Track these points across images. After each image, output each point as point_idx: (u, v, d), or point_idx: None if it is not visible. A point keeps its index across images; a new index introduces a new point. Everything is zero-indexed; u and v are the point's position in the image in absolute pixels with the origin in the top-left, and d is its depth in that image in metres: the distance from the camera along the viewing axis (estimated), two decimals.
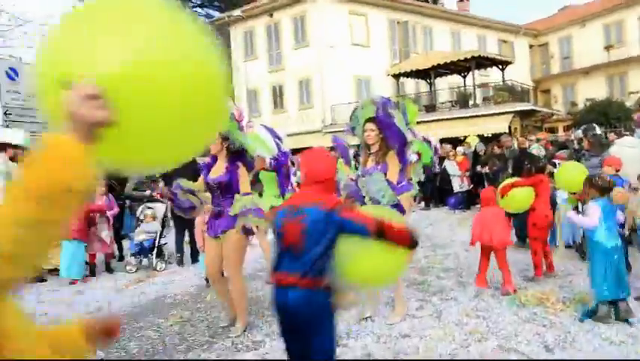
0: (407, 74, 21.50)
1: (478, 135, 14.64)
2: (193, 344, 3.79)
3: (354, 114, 4.03)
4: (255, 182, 5.94)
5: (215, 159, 3.89)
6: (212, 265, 3.93)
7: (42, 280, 6.27)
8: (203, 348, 3.67)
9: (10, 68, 9.29)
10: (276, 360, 3.35)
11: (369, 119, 3.87)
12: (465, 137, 16.96)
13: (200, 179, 3.99)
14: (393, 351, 3.41)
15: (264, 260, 6.58)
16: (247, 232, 3.83)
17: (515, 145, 8.91)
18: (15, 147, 6.10)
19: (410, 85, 24.08)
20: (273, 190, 5.57)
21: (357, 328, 3.90)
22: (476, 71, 20.64)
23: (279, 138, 5.73)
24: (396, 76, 21.51)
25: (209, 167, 3.90)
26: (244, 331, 3.89)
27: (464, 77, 21.56)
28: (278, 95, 24.52)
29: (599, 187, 3.79)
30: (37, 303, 5.30)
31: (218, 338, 3.83)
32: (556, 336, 3.50)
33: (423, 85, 23.71)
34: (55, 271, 6.45)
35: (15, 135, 6.41)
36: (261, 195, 5.68)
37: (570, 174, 5.03)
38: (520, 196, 4.95)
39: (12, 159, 5.94)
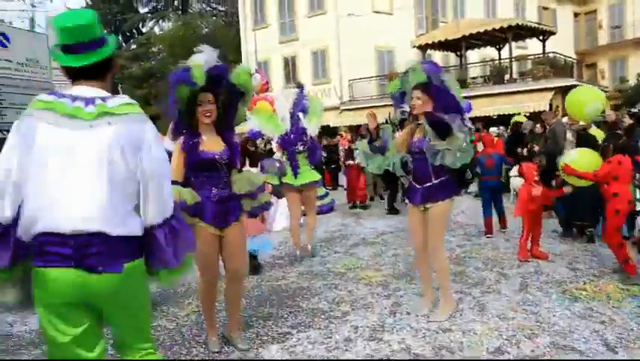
0: (435, 46, 21.24)
1: (514, 114, 14.44)
2: None
3: (403, 78, 3.94)
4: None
5: (199, 132, 3.35)
6: (211, 260, 3.45)
7: None
8: (223, 340, 3.72)
9: (1, 34, 9.33)
10: None
11: (418, 86, 3.76)
12: (497, 115, 16.80)
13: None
14: (433, 346, 3.42)
15: (283, 247, 6.63)
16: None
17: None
18: None
19: (438, 58, 23.76)
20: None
21: (392, 321, 3.93)
22: (513, 43, 20.30)
23: (304, 112, 5.75)
24: (423, 47, 21.26)
25: (194, 142, 3.33)
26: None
27: (499, 49, 21.23)
28: (290, 67, 24.44)
29: None
30: None
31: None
32: (617, 334, 3.48)
33: (452, 58, 23.45)
34: None
35: None
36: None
37: (584, 160, 5.05)
38: (587, 160, 5.00)
39: None
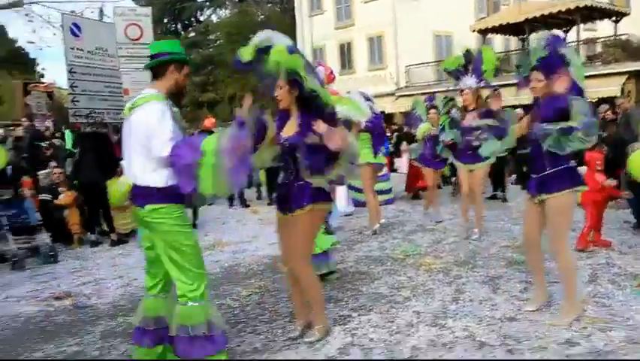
0: (496, 29, 20.48)
1: None
2: (275, 314, 3.94)
3: (523, 60, 3.67)
4: None
5: (286, 115, 3.38)
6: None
7: (118, 242, 6.78)
8: (287, 320, 3.80)
9: (74, 24, 9.81)
10: None
11: (537, 65, 3.43)
12: None
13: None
14: (499, 335, 3.36)
15: (341, 232, 6.67)
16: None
17: None
18: None
19: (499, 42, 23.01)
20: (367, 151, 6.31)
21: (454, 307, 3.88)
22: (581, 25, 19.26)
23: (370, 100, 5.98)
24: (483, 32, 20.56)
25: (280, 125, 3.39)
26: (324, 336, 3.45)
27: (566, 31, 20.13)
28: (346, 53, 24.31)
29: None
30: (110, 267, 5.72)
31: None
32: None
33: (514, 42, 22.58)
34: (132, 234, 7.01)
35: None
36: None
37: None
38: None
39: None
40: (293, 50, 3.18)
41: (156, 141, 2.67)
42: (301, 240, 3.32)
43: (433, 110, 7.13)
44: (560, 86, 3.30)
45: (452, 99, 6.87)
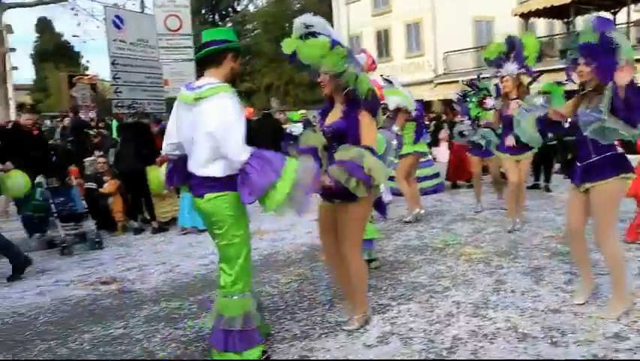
0: (539, 13, 19.78)
1: None
2: (314, 302, 3.97)
3: (571, 44, 3.52)
4: None
5: (331, 101, 3.40)
6: (327, 234, 3.52)
7: (159, 230, 6.96)
8: (326, 308, 3.82)
9: (117, 17, 10.05)
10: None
11: (585, 50, 3.26)
12: None
13: None
14: (542, 327, 3.28)
15: (385, 221, 6.62)
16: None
17: None
18: None
19: (542, 26, 22.26)
20: (410, 138, 6.50)
21: (495, 298, 3.82)
22: (632, 6, 18.40)
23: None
24: (525, 15, 19.89)
25: (324, 112, 3.44)
26: (363, 325, 3.46)
27: (614, 13, 19.34)
28: (383, 41, 24.04)
29: None
30: (152, 254, 5.88)
31: (339, 299, 3.96)
32: None
33: (558, 26, 21.78)
34: (172, 222, 7.21)
35: None
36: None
37: None
38: None
39: None
40: (335, 44, 3.09)
41: (231, 141, 2.66)
42: (353, 227, 3.29)
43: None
44: (624, 77, 3.04)
45: (486, 88, 6.70)
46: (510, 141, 5.55)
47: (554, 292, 3.89)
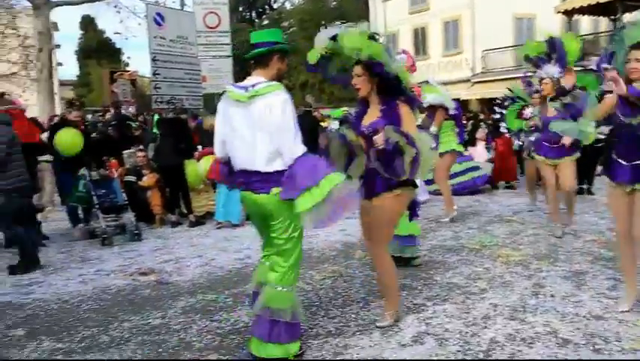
0: (583, 10, 19.11)
1: None
2: (348, 300, 3.96)
3: (616, 37, 3.40)
4: None
5: (365, 103, 3.41)
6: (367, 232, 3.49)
7: (196, 223, 7.09)
8: (360, 305, 3.81)
9: (158, 14, 10.27)
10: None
11: (637, 45, 3.17)
12: None
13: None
14: (584, 333, 3.18)
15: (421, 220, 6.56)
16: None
17: None
18: None
19: (586, 24, 21.55)
20: (452, 138, 6.45)
21: (534, 302, 3.73)
22: None
23: None
24: (569, 12, 19.27)
25: (360, 114, 3.42)
26: (394, 323, 3.45)
27: None
28: (420, 38, 23.78)
29: None
30: (189, 247, 5.99)
31: (374, 297, 3.95)
32: None
33: (604, 23, 21.00)
34: (207, 216, 7.34)
35: None
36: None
37: None
38: None
39: None
40: (373, 36, 3.15)
41: (288, 137, 2.74)
42: (383, 224, 3.31)
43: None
44: None
45: (523, 99, 6.47)
46: (567, 140, 5.30)
47: (597, 297, 3.78)
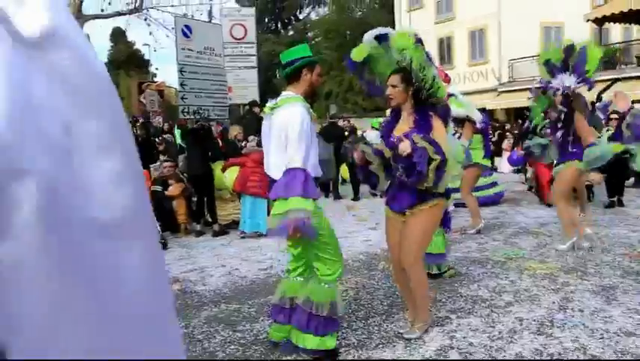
0: (614, 18, 18.78)
1: None
2: (371, 311, 3.94)
3: None
4: None
5: (397, 114, 3.41)
6: (395, 248, 3.43)
7: (220, 232, 7.16)
8: (383, 318, 3.79)
9: (185, 26, 10.47)
10: None
11: None
12: None
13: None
14: (615, 350, 3.10)
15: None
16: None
17: None
18: None
19: (617, 32, 21.14)
20: (479, 152, 6.41)
21: (562, 317, 3.64)
22: None
23: None
24: (599, 21, 18.95)
25: (390, 125, 3.41)
26: (423, 333, 3.43)
27: None
28: (445, 48, 23.67)
29: None
30: (213, 256, 6.05)
31: (397, 309, 3.92)
32: None
33: (635, 31, 20.60)
34: (233, 225, 7.44)
35: None
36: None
37: None
38: None
39: None
40: (420, 40, 3.25)
41: (292, 146, 2.90)
42: (418, 237, 3.27)
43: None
44: None
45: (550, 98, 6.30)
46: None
47: (628, 313, 3.67)
